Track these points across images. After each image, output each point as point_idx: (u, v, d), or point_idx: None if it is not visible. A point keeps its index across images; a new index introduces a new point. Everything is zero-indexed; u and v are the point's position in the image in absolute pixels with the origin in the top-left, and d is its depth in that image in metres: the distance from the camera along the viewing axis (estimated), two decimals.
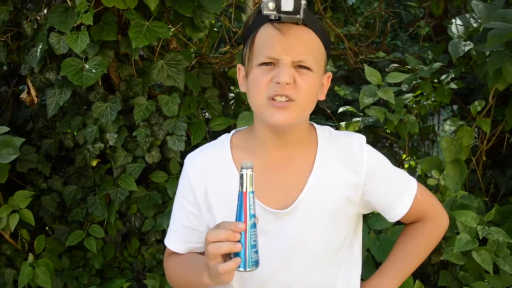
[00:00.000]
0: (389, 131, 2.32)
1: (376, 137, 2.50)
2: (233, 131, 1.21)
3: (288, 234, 1.13)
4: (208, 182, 1.15)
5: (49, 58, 2.00)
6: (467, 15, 2.22)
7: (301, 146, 1.15)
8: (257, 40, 1.06)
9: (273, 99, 1.03)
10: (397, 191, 1.22)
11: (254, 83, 1.06)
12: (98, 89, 2.08)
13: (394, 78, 2.23)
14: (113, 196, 2.12)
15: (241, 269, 0.95)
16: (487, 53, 2.00)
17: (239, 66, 1.15)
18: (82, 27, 1.86)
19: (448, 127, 2.29)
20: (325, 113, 2.68)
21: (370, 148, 1.19)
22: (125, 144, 2.14)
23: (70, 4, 1.85)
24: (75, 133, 2.18)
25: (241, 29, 2.12)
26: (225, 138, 1.19)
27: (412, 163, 2.83)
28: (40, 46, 1.93)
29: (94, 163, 2.23)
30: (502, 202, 2.39)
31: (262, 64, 1.04)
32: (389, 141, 2.77)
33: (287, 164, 1.14)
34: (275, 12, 0.98)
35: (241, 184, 0.95)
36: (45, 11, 1.98)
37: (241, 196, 0.95)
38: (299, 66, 1.03)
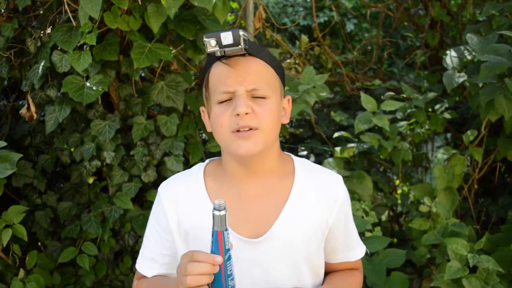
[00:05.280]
0: (383, 158, 2.35)
1: (370, 162, 2.54)
2: (207, 161, 1.23)
3: (261, 264, 1.13)
4: (181, 210, 1.16)
5: (50, 76, 2.02)
6: (462, 47, 2.27)
7: (276, 177, 1.16)
8: (211, 79, 1.10)
9: (237, 131, 1.05)
10: (351, 241, 1.27)
11: (216, 120, 1.08)
12: (97, 107, 2.09)
13: (389, 106, 2.28)
14: (108, 213, 2.12)
15: None
16: (480, 84, 2.05)
17: (202, 108, 1.18)
18: (85, 46, 1.88)
19: (441, 155, 2.33)
20: (320, 138, 2.71)
21: (346, 191, 1.23)
22: (122, 163, 2.15)
23: (74, 23, 1.88)
24: (72, 150, 2.19)
25: None
26: (199, 167, 1.21)
27: (406, 189, 2.85)
28: (42, 63, 1.95)
29: (90, 180, 2.23)
30: (493, 231, 2.42)
31: (220, 102, 1.07)
32: (383, 167, 2.80)
33: (261, 194, 1.15)
34: (217, 48, 1.01)
35: (214, 224, 0.95)
36: (49, 29, 2.00)
37: (216, 234, 0.95)
38: (255, 96, 1.06)
